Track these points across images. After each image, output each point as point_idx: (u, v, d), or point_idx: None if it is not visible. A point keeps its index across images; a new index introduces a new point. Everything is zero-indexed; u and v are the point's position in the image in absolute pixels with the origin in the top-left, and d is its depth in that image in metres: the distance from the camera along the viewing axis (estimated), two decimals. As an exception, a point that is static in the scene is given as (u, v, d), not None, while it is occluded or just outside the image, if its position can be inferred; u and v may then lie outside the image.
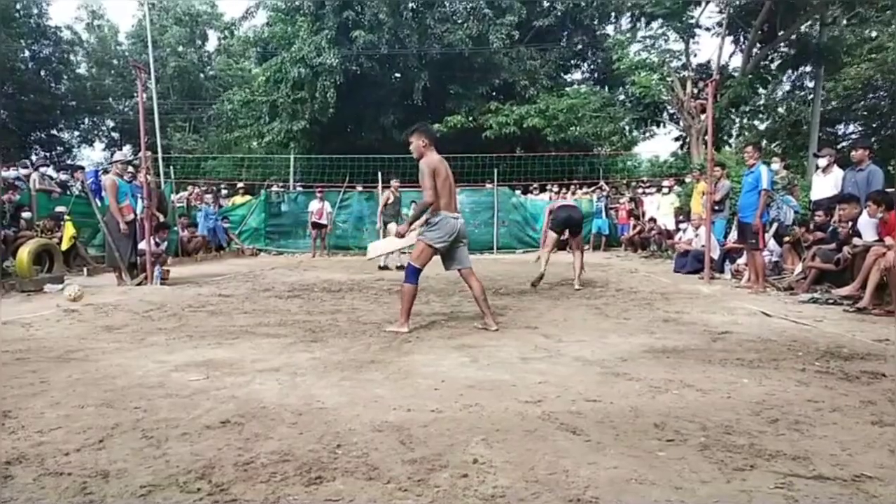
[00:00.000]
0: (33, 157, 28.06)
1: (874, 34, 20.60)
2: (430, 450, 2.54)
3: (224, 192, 19.39)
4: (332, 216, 16.74)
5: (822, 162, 9.42)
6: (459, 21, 21.48)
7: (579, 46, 25.17)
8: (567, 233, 8.82)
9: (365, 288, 8.59)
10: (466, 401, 3.22)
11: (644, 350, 4.48)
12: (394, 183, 13.49)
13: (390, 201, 13.26)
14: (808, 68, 21.41)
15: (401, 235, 6.02)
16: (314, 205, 16.44)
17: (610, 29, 23.99)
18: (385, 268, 12.02)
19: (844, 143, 22.84)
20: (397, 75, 22.23)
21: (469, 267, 5.51)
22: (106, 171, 12.49)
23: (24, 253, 8.64)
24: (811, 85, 21.77)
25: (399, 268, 11.38)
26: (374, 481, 2.24)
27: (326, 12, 20.32)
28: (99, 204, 10.86)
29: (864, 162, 8.18)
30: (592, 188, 18.60)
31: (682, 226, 12.71)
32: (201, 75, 33.92)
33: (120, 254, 8.84)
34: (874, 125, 22.21)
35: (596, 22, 24.06)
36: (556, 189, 18.60)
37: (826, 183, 9.16)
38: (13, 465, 2.39)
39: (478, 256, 15.79)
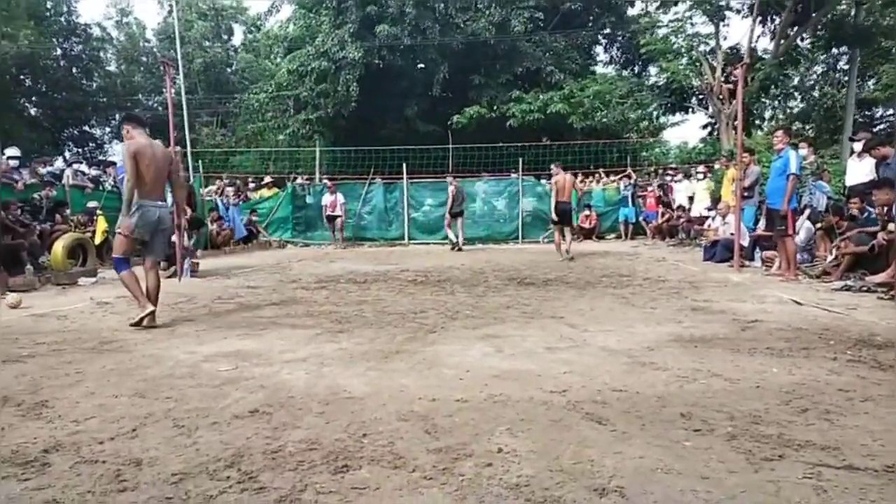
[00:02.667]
0: (66, 154, 28.75)
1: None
2: (455, 439, 2.56)
3: (252, 185, 19.62)
4: (346, 207, 16.82)
5: (858, 146, 9.17)
6: (482, 8, 21.32)
7: (606, 30, 24.80)
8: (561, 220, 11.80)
9: (390, 279, 8.64)
10: (491, 390, 3.23)
11: (671, 339, 4.43)
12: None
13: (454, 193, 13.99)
14: (844, 49, 20.80)
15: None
16: (327, 198, 16.78)
17: (637, 10, 23.57)
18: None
19: (882, 126, 22.19)
20: (420, 66, 22.20)
21: (157, 260, 5.63)
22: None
23: (59, 247, 8.88)
24: (846, 67, 21.18)
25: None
26: (400, 469, 2.27)
27: (349, 6, 20.36)
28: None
29: (889, 154, 7.94)
30: (619, 176, 18.39)
31: (710, 213, 12.52)
32: (227, 70, 34.29)
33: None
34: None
35: (623, 2, 23.65)
36: (580, 178, 18.46)
37: (861, 168, 8.92)
38: (50, 452, 2.47)
39: (502, 246, 15.77)
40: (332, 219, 16.63)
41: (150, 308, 5.19)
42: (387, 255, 13.33)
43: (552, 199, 12.08)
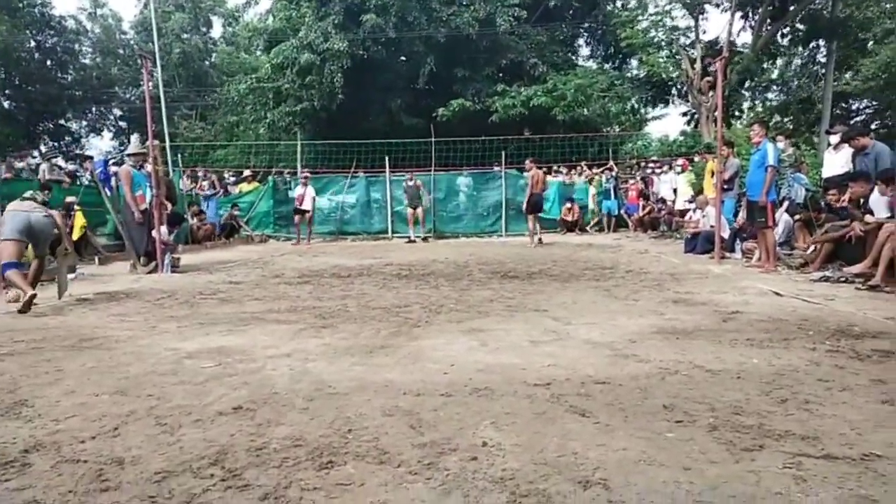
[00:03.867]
0: (42, 148, 28.25)
1: (889, 6, 20.15)
2: (440, 433, 2.56)
3: (232, 178, 19.43)
4: (315, 202, 16.46)
5: (834, 139, 9.29)
6: (466, 3, 21.28)
7: (587, 24, 24.88)
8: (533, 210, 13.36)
9: (374, 273, 8.62)
10: (476, 384, 3.24)
11: (653, 331, 4.48)
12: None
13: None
14: (822, 42, 21.03)
15: None
16: (298, 190, 16.18)
17: (619, 6, 23.65)
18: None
19: (858, 118, 22.51)
20: (403, 59, 22.10)
21: (42, 256, 6.41)
22: (117, 163, 12.55)
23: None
24: (824, 60, 21.43)
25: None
26: (385, 465, 2.27)
27: (332, -3, 20.20)
28: (108, 193, 10.94)
29: (868, 145, 8.05)
30: (601, 169, 18.49)
31: (690, 205, 12.64)
32: (206, 62, 33.86)
33: (133, 243, 8.92)
34: (890, 100, 21.77)
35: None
36: (564, 171, 18.53)
37: (838, 160, 9.04)
38: (31, 452, 2.44)
39: (486, 240, 15.81)
40: (300, 212, 15.96)
41: (31, 292, 5.75)
42: (370, 249, 13.30)
43: (527, 191, 13.61)
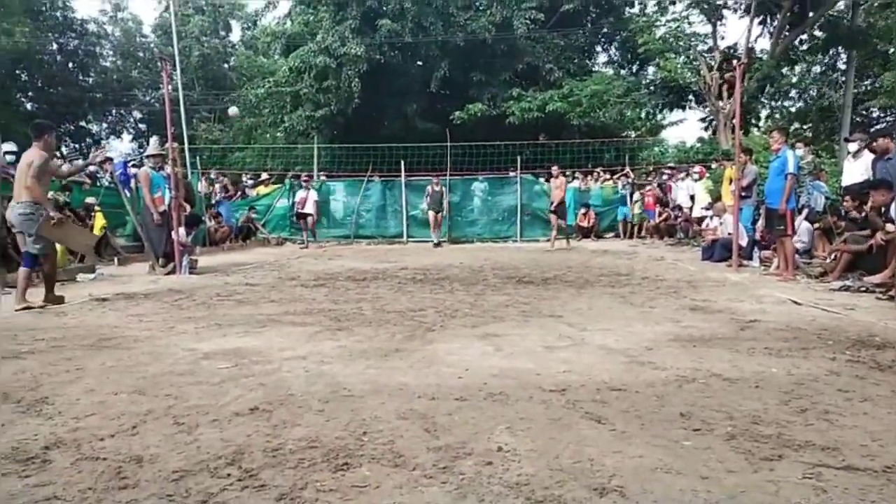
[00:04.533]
0: (63, 150, 28.64)
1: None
2: (455, 437, 2.56)
3: (249, 181, 19.57)
4: (319, 205, 16.52)
5: (853, 147, 9.17)
6: (482, 8, 21.31)
7: (605, 29, 24.82)
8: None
9: (389, 277, 8.64)
10: (491, 389, 3.23)
11: (670, 338, 4.44)
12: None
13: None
14: (841, 50, 20.82)
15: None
16: (299, 194, 16.22)
17: (636, 11, 23.58)
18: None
19: (878, 126, 22.19)
20: (419, 64, 22.16)
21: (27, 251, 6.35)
22: (136, 165, 12.71)
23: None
24: (843, 67, 21.20)
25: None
26: (400, 468, 2.27)
27: (349, 1, 20.31)
28: (128, 195, 11.06)
29: (891, 150, 7.93)
30: (617, 175, 18.40)
31: (706, 212, 12.54)
32: (225, 65, 34.18)
33: (152, 244, 9.03)
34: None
35: (622, 2, 23.70)
36: (580, 176, 18.46)
37: (857, 168, 8.93)
38: (51, 449, 2.47)
39: (501, 245, 15.79)
40: (302, 216, 15.97)
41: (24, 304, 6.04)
42: (385, 253, 13.34)
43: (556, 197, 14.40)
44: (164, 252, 9.15)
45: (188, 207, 10.30)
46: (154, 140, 10.89)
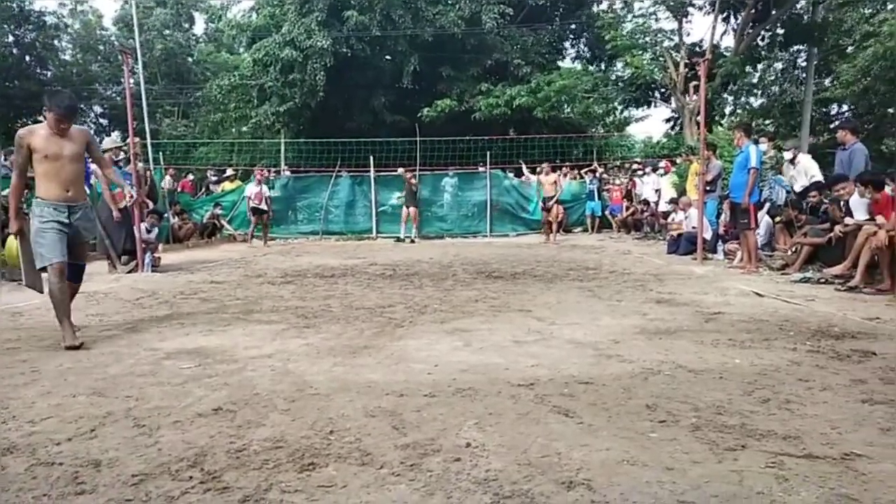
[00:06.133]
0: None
1: (867, 11, 20.42)
2: (423, 434, 2.54)
3: (213, 177, 19.23)
4: (272, 201, 15.76)
5: (788, 155, 9.79)
6: (451, 2, 21.25)
7: (573, 25, 24.97)
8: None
9: (358, 273, 8.57)
10: (459, 385, 3.22)
11: (637, 331, 4.49)
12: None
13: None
14: (803, 47, 21.28)
15: None
16: (251, 188, 15.11)
17: (604, 7, 23.80)
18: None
19: (837, 123, 22.76)
20: (388, 58, 21.99)
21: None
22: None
23: (13, 242, 8.55)
24: (804, 64, 21.68)
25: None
26: (367, 467, 2.25)
27: (316, -7, 20.07)
28: (88, 191, 10.76)
29: (849, 141, 8.19)
30: (585, 170, 18.55)
31: (672, 206, 12.72)
32: (189, 59, 33.49)
33: (112, 241, 8.79)
34: (871, 104, 22.07)
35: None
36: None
37: (798, 174, 9.45)
38: (5, 455, 2.38)
39: (470, 240, 15.80)
40: (257, 212, 14.95)
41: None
42: (354, 249, 13.24)
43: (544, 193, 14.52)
44: (123, 249, 8.92)
45: (150, 203, 10.05)
46: (115, 135, 10.62)
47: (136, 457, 2.36)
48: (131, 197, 7.99)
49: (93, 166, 11.27)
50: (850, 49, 20.58)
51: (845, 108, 23.67)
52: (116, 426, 2.70)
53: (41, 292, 4.75)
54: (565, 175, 18.64)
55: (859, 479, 2.10)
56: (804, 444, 2.40)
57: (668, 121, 23.73)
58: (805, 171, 9.49)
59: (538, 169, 15.38)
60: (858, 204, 7.13)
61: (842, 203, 7.47)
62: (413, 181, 16.02)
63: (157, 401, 3.04)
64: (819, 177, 9.43)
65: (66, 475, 2.20)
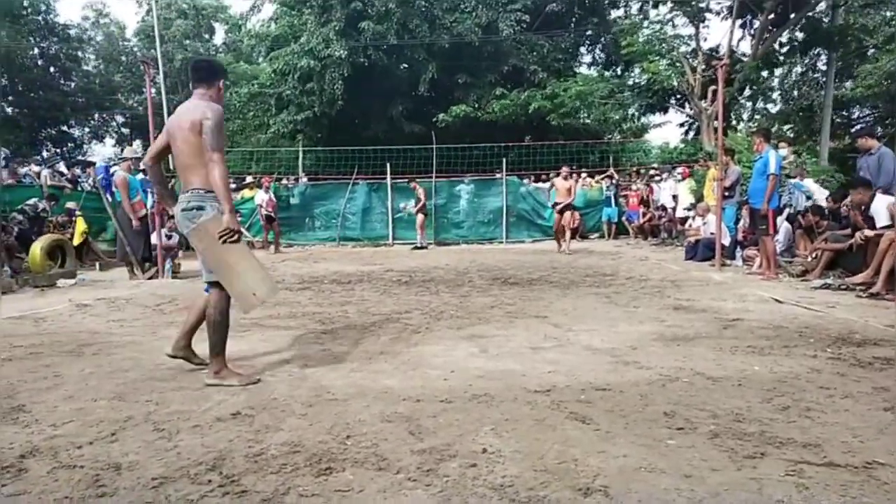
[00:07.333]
0: (44, 154, 28.29)
1: (889, 13, 20.15)
2: (440, 440, 2.55)
3: (233, 185, 19.43)
4: (276, 207, 15.67)
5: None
6: (468, 10, 21.34)
7: (589, 32, 24.96)
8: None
9: (374, 279, 8.60)
10: (476, 391, 3.22)
11: (654, 338, 4.46)
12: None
13: None
14: (823, 51, 21.06)
15: None
16: (261, 196, 15.32)
17: (620, 13, 23.77)
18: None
19: (859, 126, 22.46)
20: (405, 66, 22.13)
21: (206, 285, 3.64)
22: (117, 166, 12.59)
23: (37, 248, 8.73)
24: (824, 68, 21.45)
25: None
26: (384, 472, 2.25)
27: (334, 4, 20.26)
28: (110, 199, 10.95)
29: (874, 146, 8.05)
30: (602, 176, 18.48)
31: (689, 213, 12.63)
32: (209, 69, 33.92)
33: (132, 248, 8.92)
34: (893, 106, 21.75)
35: (606, 4, 23.86)
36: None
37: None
38: (27, 458, 2.43)
39: (486, 247, 15.79)
40: (270, 220, 15.19)
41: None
42: (371, 256, 13.29)
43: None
44: (143, 256, 9.04)
45: (171, 211, 10.17)
46: (136, 144, 10.79)
47: (156, 460, 2.39)
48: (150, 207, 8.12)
49: (114, 177, 11.48)
50: (871, 51, 20.33)
51: (867, 111, 23.37)
52: (137, 430, 2.73)
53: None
54: (580, 183, 18.58)
55: (882, 489, 2.07)
56: (825, 452, 2.36)
57: (682, 125, 23.61)
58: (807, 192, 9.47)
59: (552, 175, 15.16)
60: (881, 210, 7.02)
61: (862, 209, 7.36)
62: (418, 189, 15.84)
63: (176, 405, 3.07)
64: (820, 199, 9.41)
65: (87, 478, 2.24)
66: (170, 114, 18.59)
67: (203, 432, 2.69)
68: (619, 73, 24.60)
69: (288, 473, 2.25)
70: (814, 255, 8.04)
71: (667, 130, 68.76)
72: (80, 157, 28.74)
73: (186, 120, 3.49)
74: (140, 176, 9.34)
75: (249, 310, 3.77)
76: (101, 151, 34.20)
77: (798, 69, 23.94)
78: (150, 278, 8.83)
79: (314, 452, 2.43)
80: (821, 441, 2.47)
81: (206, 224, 3.43)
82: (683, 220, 13.42)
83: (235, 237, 3.39)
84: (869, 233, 6.96)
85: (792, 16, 18.65)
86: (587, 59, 27.13)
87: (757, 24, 19.30)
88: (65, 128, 33.34)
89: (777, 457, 2.33)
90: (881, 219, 6.93)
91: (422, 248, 15.24)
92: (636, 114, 22.97)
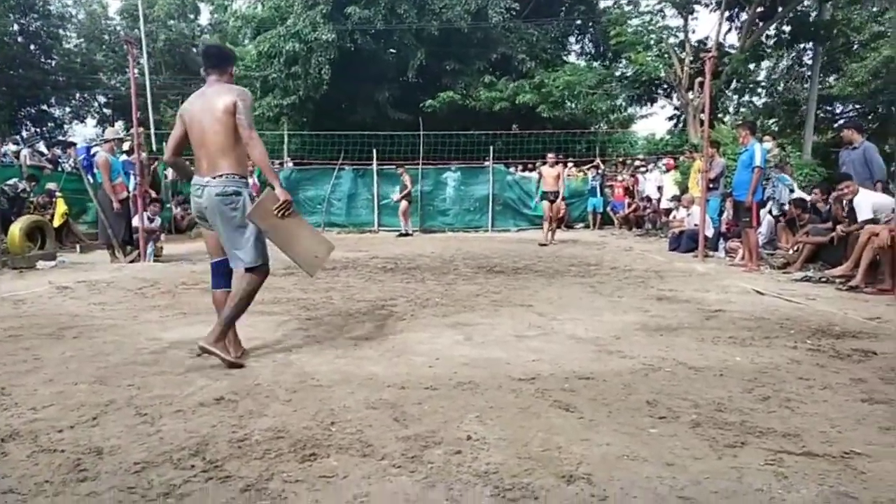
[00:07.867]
0: (24, 133, 27.77)
1: (875, 9, 20.31)
2: (424, 427, 2.55)
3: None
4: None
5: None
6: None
7: (578, 21, 24.90)
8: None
9: (359, 266, 8.58)
10: (461, 378, 3.23)
11: (637, 328, 4.50)
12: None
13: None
14: (809, 45, 21.21)
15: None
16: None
17: (609, 3, 23.72)
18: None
19: (841, 121, 22.71)
20: (393, 51, 21.94)
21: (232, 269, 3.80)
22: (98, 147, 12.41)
23: (16, 230, 8.58)
24: (810, 62, 21.61)
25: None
26: (369, 458, 2.25)
27: (322, -14, 20.01)
28: (91, 180, 10.79)
29: (857, 140, 8.14)
30: (588, 166, 18.52)
31: (674, 204, 12.71)
32: (193, 49, 33.42)
33: (113, 231, 8.81)
34: (876, 103, 21.99)
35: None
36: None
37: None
38: (7, 441, 2.40)
39: (472, 235, 15.80)
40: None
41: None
42: (356, 242, 13.24)
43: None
44: (125, 239, 8.93)
45: (153, 193, 10.06)
46: (118, 125, 10.62)
47: (138, 445, 2.37)
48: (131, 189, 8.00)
49: (95, 158, 11.31)
50: (856, 47, 20.52)
51: (850, 106, 23.61)
52: (118, 414, 2.71)
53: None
54: (569, 174, 18.59)
55: (859, 478, 2.11)
56: (804, 441, 2.40)
57: (671, 118, 23.70)
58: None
59: (539, 164, 15.11)
60: (862, 204, 7.11)
61: (844, 203, 7.45)
62: (405, 176, 15.78)
63: (158, 390, 3.05)
64: (798, 192, 9.49)
65: (68, 462, 2.21)
66: (153, 95, 18.40)
67: (186, 417, 2.67)
68: (607, 63, 24.62)
69: (272, 459, 2.24)
70: (795, 248, 8.14)
71: (653, 121, 69.14)
72: (60, 138, 28.28)
73: (218, 103, 3.55)
74: (122, 158, 9.20)
75: (314, 272, 4.09)
76: (83, 132, 33.59)
77: (784, 63, 24.10)
78: (131, 262, 8.73)
79: (298, 438, 2.42)
80: (800, 431, 2.51)
81: (264, 204, 3.57)
82: (668, 212, 13.51)
83: (291, 209, 3.66)
84: (847, 229, 7.06)
85: (780, 9, 18.75)
86: (576, 48, 27.11)
87: (745, 16, 19.39)
88: (45, 107, 32.72)
89: (757, 446, 2.36)
90: (863, 212, 7.02)
91: (407, 235, 15.21)
92: (623, 104, 23.02)
